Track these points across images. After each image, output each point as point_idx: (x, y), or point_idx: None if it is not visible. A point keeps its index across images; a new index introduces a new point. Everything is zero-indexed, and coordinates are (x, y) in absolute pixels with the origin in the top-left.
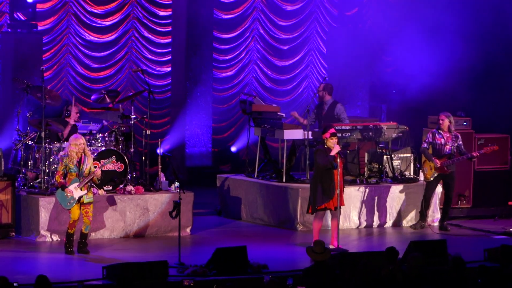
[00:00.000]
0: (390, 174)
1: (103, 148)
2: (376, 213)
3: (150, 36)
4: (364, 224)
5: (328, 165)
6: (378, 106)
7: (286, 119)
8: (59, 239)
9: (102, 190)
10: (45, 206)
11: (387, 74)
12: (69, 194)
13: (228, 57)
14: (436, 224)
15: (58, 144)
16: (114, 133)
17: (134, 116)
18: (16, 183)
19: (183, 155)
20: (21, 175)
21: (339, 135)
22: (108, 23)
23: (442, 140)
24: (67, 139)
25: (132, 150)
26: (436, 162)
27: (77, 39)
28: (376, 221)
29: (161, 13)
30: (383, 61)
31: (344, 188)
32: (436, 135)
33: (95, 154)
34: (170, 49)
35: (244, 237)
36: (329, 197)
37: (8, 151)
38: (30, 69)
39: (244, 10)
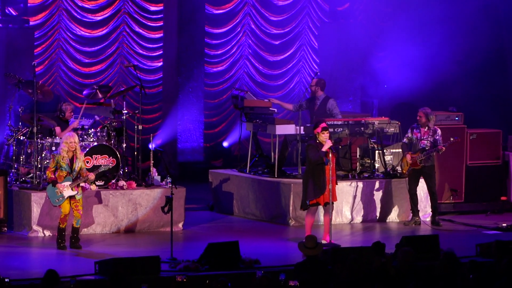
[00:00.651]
0: (382, 169)
1: (95, 143)
2: (368, 208)
3: (141, 31)
4: (356, 219)
5: (320, 160)
6: (369, 101)
7: (278, 114)
8: (51, 234)
9: (94, 185)
10: (37, 201)
11: (379, 69)
12: (59, 191)
13: (219, 52)
14: (428, 219)
15: (50, 140)
16: (106, 128)
17: (126, 111)
18: (8, 178)
19: (175, 150)
20: (13, 170)
21: (331, 130)
22: (99, 18)
23: (419, 135)
24: None
25: (124, 145)
26: (407, 157)
27: (68, 34)
28: (368, 216)
29: (152, 8)
30: (374, 56)
31: (337, 183)
32: (414, 130)
33: (87, 149)
34: (161, 44)
35: (236, 232)
36: (321, 192)
37: (0, 146)
38: (21, 64)
39: (236, 5)
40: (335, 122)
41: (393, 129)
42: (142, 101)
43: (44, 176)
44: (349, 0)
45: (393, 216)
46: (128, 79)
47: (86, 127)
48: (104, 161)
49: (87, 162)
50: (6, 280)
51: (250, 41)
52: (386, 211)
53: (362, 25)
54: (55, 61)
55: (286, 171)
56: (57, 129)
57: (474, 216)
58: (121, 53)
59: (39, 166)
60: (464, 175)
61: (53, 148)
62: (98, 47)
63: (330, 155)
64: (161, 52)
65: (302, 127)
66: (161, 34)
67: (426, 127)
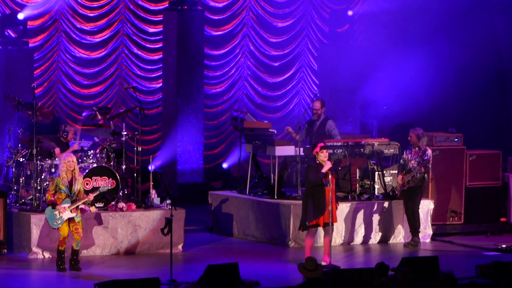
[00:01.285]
0: (382, 191)
1: (95, 165)
2: (368, 230)
3: (139, 52)
4: (356, 240)
5: (320, 181)
6: (369, 122)
7: (277, 135)
8: (50, 256)
9: (93, 207)
10: (36, 223)
11: (378, 90)
12: (59, 213)
13: (218, 73)
14: (428, 240)
15: (49, 161)
16: (105, 149)
17: (125, 133)
18: (7, 200)
19: (174, 171)
20: (12, 192)
21: (331, 151)
22: (97, 40)
23: (409, 156)
24: None
25: (123, 166)
26: (398, 178)
27: (67, 56)
28: (368, 238)
29: (151, 30)
30: (374, 78)
31: (338, 205)
32: (407, 151)
33: (86, 170)
34: (159, 66)
35: (236, 254)
36: (320, 213)
37: None
38: (21, 85)
39: (234, 26)
40: (335, 143)
41: (392, 150)
42: (142, 123)
43: (44, 198)
44: (348, 21)
45: (393, 238)
46: (127, 101)
47: (86, 148)
48: (103, 183)
49: (87, 184)
50: None
51: (249, 63)
52: (386, 232)
53: (362, 46)
54: (54, 82)
55: (286, 193)
56: (57, 150)
57: (474, 237)
58: (120, 74)
59: (39, 188)
60: (463, 197)
61: (53, 170)
62: (97, 68)
63: (330, 176)
64: (160, 73)
65: (301, 149)
66: (160, 56)
67: (417, 148)
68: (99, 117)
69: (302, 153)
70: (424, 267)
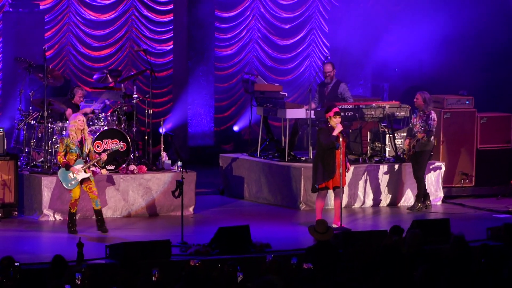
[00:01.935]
0: (393, 153)
1: (106, 128)
2: (379, 192)
3: (149, 14)
4: (367, 203)
5: (331, 144)
6: (380, 85)
7: (288, 98)
8: (61, 218)
9: (104, 169)
10: (47, 186)
11: (389, 53)
12: (73, 174)
13: (228, 36)
14: (439, 203)
15: (60, 124)
16: (116, 112)
17: (136, 96)
18: (18, 163)
19: (185, 134)
20: (23, 154)
21: (342, 114)
22: (108, 2)
23: (415, 120)
24: None
25: (134, 129)
26: (405, 142)
27: (78, 18)
28: (379, 200)
29: None
30: (385, 40)
31: (351, 167)
32: (413, 114)
33: (97, 133)
34: (169, 28)
35: (247, 216)
36: (330, 176)
37: (10, 130)
38: (32, 48)
39: None
40: (346, 106)
41: (403, 113)
42: (152, 85)
43: (55, 160)
44: None
45: (404, 200)
46: (138, 63)
47: (97, 111)
48: (114, 145)
49: (98, 146)
50: (16, 264)
51: (259, 25)
52: (396, 195)
53: (373, 9)
54: (65, 45)
55: (297, 155)
56: (69, 111)
57: (485, 200)
58: (130, 36)
59: (50, 150)
60: (474, 159)
61: (63, 132)
62: (107, 30)
63: (341, 139)
64: (170, 35)
65: (312, 111)
66: (170, 17)
67: (422, 112)
68: (110, 79)
69: (313, 116)
70: (435, 229)
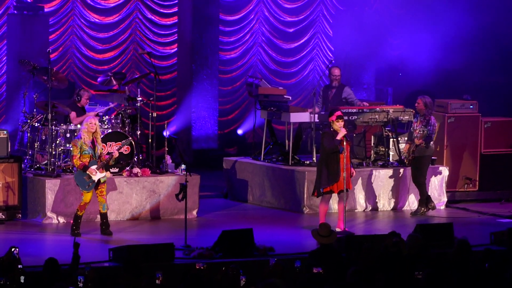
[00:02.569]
0: (397, 157)
1: (110, 130)
2: (382, 196)
3: (153, 17)
4: (370, 207)
5: (335, 148)
6: (384, 89)
7: (292, 101)
8: (65, 221)
9: (108, 172)
10: (51, 188)
11: (393, 57)
12: (92, 174)
13: (232, 39)
14: (443, 207)
15: (64, 126)
16: (120, 115)
17: (140, 99)
18: (22, 165)
19: (189, 137)
20: (27, 157)
21: (346, 118)
22: (112, 5)
23: (415, 125)
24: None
25: (138, 132)
26: (405, 148)
27: (82, 20)
28: (382, 204)
29: None
30: (389, 44)
31: (354, 171)
32: (414, 119)
33: (102, 136)
34: (173, 30)
35: (250, 220)
36: (334, 180)
37: (14, 133)
38: (36, 50)
39: None
40: (350, 110)
41: (407, 117)
42: (156, 88)
43: (59, 163)
44: None
45: (408, 205)
46: (142, 66)
47: (101, 114)
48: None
49: (102, 149)
50: (19, 266)
51: (263, 29)
52: (400, 199)
53: (377, 13)
54: (69, 47)
55: (301, 159)
56: (72, 114)
57: (489, 204)
58: (134, 39)
59: (53, 152)
60: (478, 164)
61: (68, 135)
62: (111, 33)
63: (345, 143)
64: (174, 38)
65: (316, 115)
66: (174, 20)
67: (422, 116)
68: (114, 82)
69: (317, 120)
70: (438, 233)
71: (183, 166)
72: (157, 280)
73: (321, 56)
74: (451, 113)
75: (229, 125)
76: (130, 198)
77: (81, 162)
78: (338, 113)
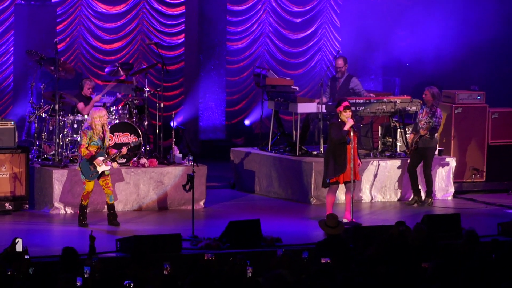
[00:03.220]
0: (404, 148)
1: (117, 121)
2: (390, 187)
3: (160, 8)
4: (377, 197)
5: (342, 139)
6: (391, 79)
7: (299, 92)
8: (72, 212)
9: (115, 162)
10: (58, 179)
11: (401, 47)
12: (98, 165)
13: (239, 29)
14: (450, 198)
15: (72, 117)
16: (127, 106)
17: (147, 89)
18: (30, 156)
19: (196, 128)
20: (35, 147)
21: (353, 108)
22: None
23: (421, 116)
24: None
25: (145, 122)
26: (409, 138)
27: (89, 11)
28: (390, 195)
29: None
30: (397, 35)
31: (361, 162)
32: (420, 110)
33: (109, 126)
34: (180, 21)
35: (258, 210)
36: (341, 171)
37: (21, 123)
38: (43, 41)
39: None
40: (357, 101)
41: (415, 108)
42: (164, 79)
43: (66, 153)
44: None
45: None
46: (149, 56)
47: (108, 104)
48: (125, 139)
49: (109, 140)
50: (26, 257)
51: (270, 19)
52: (407, 190)
53: (385, 3)
54: (77, 38)
55: (308, 150)
56: (80, 104)
57: (496, 195)
58: (141, 30)
59: (61, 143)
60: (485, 154)
61: (75, 126)
62: (119, 23)
63: (352, 134)
64: (181, 28)
65: (323, 106)
66: (181, 11)
67: (428, 108)
68: (122, 72)
69: (324, 110)
70: (446, 224)
71: (190, 157)
72: (164, 271)
73: (328, 47)
74: (459, 104)
75: (237, 115)
76: (137, 189)
77: (88, 152)
78: (346, 103)
